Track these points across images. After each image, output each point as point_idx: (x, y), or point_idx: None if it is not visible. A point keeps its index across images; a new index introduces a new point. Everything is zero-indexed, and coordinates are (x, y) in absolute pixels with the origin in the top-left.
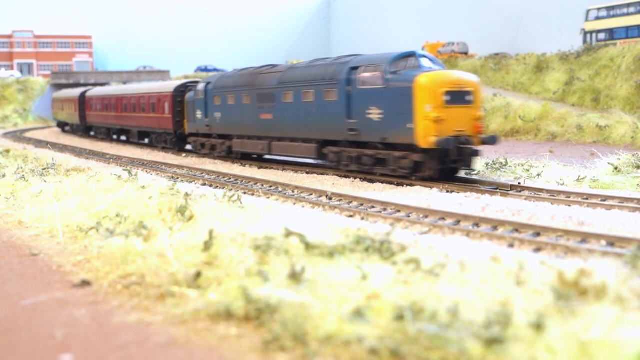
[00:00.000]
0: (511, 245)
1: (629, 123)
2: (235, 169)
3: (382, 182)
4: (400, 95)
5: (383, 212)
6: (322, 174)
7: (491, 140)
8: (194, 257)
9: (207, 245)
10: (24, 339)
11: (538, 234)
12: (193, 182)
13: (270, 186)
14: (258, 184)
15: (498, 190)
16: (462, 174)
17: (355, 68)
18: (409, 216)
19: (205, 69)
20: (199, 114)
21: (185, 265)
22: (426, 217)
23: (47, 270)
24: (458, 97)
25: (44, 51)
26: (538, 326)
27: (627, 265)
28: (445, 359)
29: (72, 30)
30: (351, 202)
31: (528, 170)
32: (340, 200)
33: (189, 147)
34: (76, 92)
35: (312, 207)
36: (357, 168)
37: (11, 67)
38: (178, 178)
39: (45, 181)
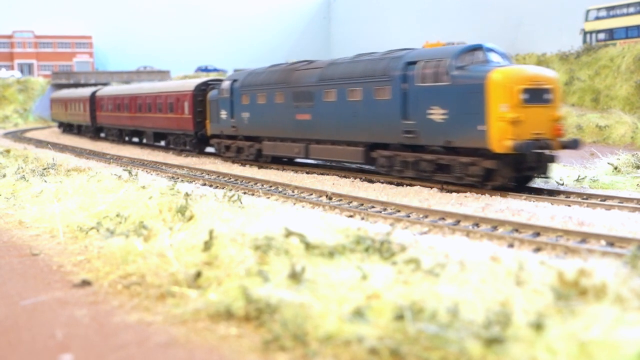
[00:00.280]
0: (511, 245)
1: (629, 123)
2: (235, 169)
3: (382, 182)
4: (469, 93)
5: (383, 212)
6: (322, 174)
7: (573, 144)
8: (194, 257)
9: (207, 245)
10: (24, 339)
11: (538, 234)
12: (193, 182)
13: (270, 186)
14: (258, 184)
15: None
16: (537, 181)
17: (412, 63)
18: (409, 216)
19: (206, 69)
20: (223, 114)
21: (185, 265)
22: (426, 217)
23: (47, 270)
24: (536, 95)
25: (45, 51)
26: (538, 326)
27: (627, 265)
28: (445, 359)
29: (72, 30)
30: (351, 202)
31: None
32: (340, 200)
33: (210, 149)
34: (86, 91)
35: (312, 207)
36: (414, 174)
37: (11, 67)
38: (178, 178)
39: (45, 181)
